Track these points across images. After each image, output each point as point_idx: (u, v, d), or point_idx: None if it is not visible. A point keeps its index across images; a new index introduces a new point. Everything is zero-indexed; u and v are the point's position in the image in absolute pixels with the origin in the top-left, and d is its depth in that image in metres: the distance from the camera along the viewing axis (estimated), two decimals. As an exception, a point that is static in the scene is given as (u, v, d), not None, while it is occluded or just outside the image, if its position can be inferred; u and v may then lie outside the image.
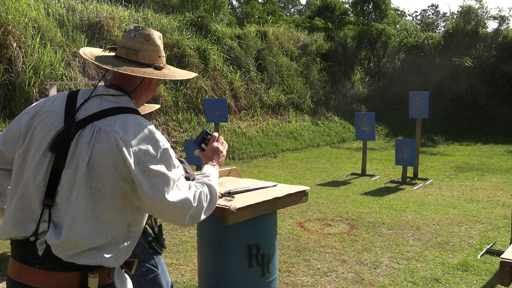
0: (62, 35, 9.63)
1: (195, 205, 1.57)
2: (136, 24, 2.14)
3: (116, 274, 1.60)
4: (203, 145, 1.96)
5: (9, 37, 8.22)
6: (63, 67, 8.91)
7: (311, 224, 5.58)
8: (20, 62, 8.23)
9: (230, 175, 3.61)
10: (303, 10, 47.59)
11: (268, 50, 15.46)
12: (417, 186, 8.05)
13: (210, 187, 1.70)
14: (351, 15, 23.20)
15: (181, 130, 10.81)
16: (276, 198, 3.03)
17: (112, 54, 1.68)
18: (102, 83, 1.68)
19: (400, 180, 8.45)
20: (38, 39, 8.74)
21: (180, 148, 10.18)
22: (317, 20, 20.72)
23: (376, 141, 14.09)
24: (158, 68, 1.66)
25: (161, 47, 1.69)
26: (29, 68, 8.25)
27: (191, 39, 12.50)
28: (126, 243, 1.57)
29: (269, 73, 14.85)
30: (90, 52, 1.69)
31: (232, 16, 23.51)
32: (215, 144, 1.93)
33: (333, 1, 22.67)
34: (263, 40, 15.85)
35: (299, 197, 3.25)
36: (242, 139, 11.63)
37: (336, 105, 17.40)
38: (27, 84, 8.14)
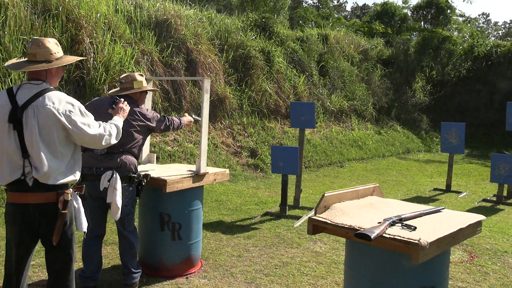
0: (131, 32, 9.29)
1: (106, 133, 2.65)
2: (32, 37, 2.94)
3: (73, 195, 2.62)
4: (114, 105, 3.12)
5: (82, 32, 7.92)
6: (132, 65, 8.55)
7: (422, 249, 4.87)
8: (91, 58, 7.91)
9: (374, 194, 2.99)
10: (349, 17, 46.54)
11: (330, 54, 14.78)
12: (517, 207, 7.19)
13: (116, 125, 2.81)
14: (410, 20, 22.21)
15: (246, 134, 10.28)
16: (461, 229, 2.39)
17: (25, 59, 2.55)
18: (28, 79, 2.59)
19: (494, 199, 7.60)
20: (109, 36, 8.42)
21: (246, 153, 9.65)
22: (377, 25, 19.82)
23: (442, 154, 13.12)
24: (50, 61, 2.52)
25: (52, 47, 2.55)
26: (100, 65, 7.93)
27: (255, 40, 12.00)
28: (75, 166, 2.61)
29: (331, 78, 14.16)
30: (11, 61, 2.59)
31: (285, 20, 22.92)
32: (121, 105, 3.10)
33: (393, 6, 21.77)
34: (324, 43, 15.18)
35: (476, 227, 2.60)
36: (307, 146, 10.98)
37: (397, 113, 16.52)
38: (97, 81, 7.82)
